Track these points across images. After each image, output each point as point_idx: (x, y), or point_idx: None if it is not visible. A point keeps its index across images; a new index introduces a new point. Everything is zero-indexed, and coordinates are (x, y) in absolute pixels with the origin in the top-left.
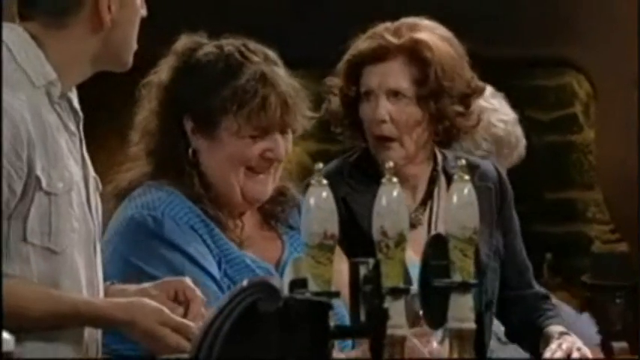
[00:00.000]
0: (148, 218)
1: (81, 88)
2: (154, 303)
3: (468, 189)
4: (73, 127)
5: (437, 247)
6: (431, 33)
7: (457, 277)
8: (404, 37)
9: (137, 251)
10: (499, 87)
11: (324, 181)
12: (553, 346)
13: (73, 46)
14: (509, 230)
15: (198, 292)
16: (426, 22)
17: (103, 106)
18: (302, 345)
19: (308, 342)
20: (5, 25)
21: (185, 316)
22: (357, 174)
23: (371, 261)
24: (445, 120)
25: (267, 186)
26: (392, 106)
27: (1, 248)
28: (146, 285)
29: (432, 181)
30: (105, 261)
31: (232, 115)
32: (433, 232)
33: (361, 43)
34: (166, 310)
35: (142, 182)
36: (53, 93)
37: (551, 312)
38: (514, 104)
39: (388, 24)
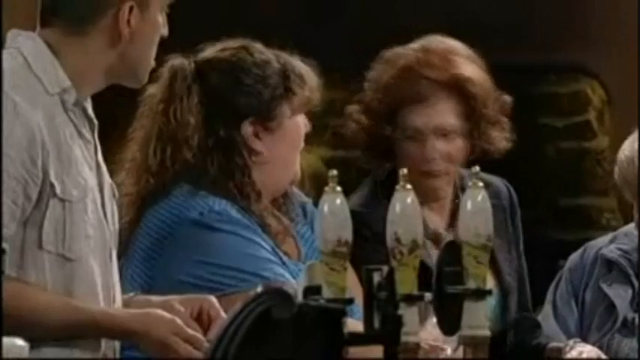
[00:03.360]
0: (210, 214)
1: (95, 96)
2: (167, 314)
3: (481, 196)
4: (87, 135)
5: (451, 254)
6: (462, 59)
7: (471, 284)
8: (444, 74)
9: (217, 249)
10: (513, 94)
11: (338, 188)
12: (574, 352)
13: (90, 55)
14: (518, 254)
15: (222, 312)
16: (452, 46)
17: (117, 114)
18: (316, 351)
19: (322, 349)
20: (22, 34)
21: (205, 336)
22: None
23: (385, 268)
24: (489, 145)
25: None
26: (441, 143)
27: (1, 250)
28: (171, 298)
29: (455, 202)
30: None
31: (284, 100)
32: None
33: (390, 79)
34: (179, 321)
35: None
36: (67, 100)
37: (545, 338)
38: (528, 111)
39: (414, 53)
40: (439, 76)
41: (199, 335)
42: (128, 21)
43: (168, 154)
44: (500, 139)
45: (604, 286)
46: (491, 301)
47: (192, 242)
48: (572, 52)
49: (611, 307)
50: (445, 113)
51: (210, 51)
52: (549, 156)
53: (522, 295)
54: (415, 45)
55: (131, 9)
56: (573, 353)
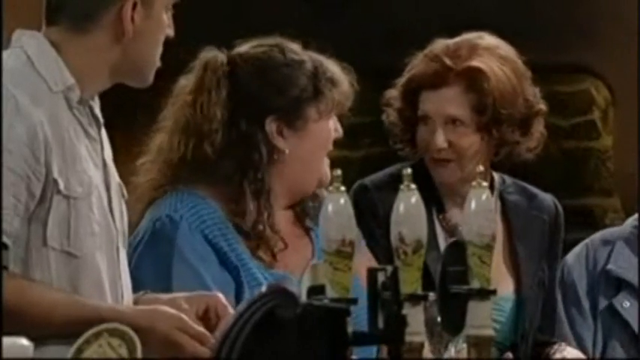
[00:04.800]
0: (165, 220)
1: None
2: (174, 310)
3: (485, 196)
4: (93, 133)
5: (455, 254)
6: (490, 57)
7: (475, 284)
8: (462, 63)
9: (151, 258)
10: None
11: (342, 188)
12: (558, 356)
13: (93, 53)
14: (552, 269)
15: (230, 309)
16: (486, 42)
17: (120, 113)
18: (320, 351)
19: (326, 349)
20: (25, 33)
21: (212, 333)
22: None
23: (389, 268)
24: (506, 146)
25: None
26: (450, 133)
27: (1, 248)
28: (178, 295)
29: None
30: (133, 267)
31: (314, 101)
32: None
33: (418, 65)
34: (185, 317)
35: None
36: (71, 98)
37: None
38: None
39: (449, 42)
40: (456, 65)
41: (206, 332)
42: (132, 18)
43: (190, 147)
44: (524, 146)
45: (619, 308)
46: (506, 305)
47: (143, 248)
48: (577, 52)
49: (630, 328)
50: (456, 103)
51: (244, 47)
52: (553, 155)
53: (549, 317)
54: (462, 37)
55: (134, 6)
56: (557, 356)
